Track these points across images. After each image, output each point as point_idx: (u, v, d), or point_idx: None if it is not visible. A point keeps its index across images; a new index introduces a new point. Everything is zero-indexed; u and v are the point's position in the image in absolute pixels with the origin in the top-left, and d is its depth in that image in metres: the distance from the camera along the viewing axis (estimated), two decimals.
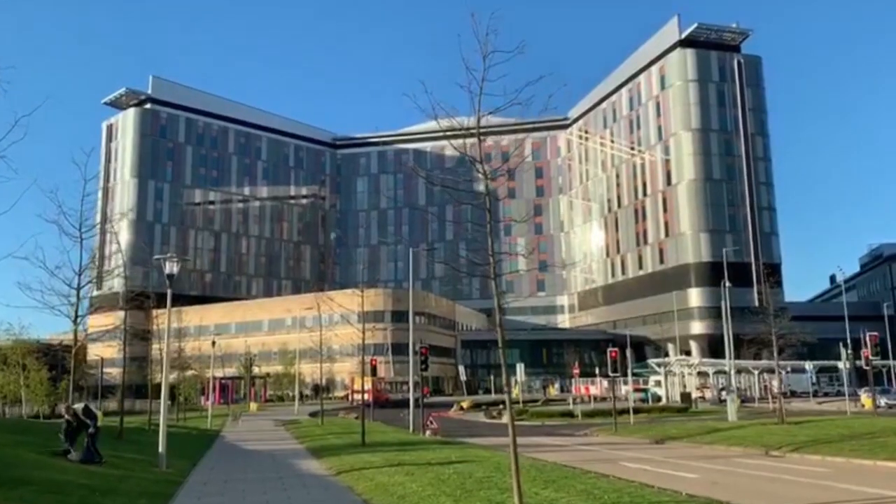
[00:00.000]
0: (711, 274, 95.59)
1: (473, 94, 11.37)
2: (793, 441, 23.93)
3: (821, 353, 75.27)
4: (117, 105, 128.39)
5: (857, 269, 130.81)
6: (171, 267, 18.56)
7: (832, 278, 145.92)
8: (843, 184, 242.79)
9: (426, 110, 11.28)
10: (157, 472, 16.96)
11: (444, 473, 15.40)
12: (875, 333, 33.85)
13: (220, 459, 21.92)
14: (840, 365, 47.82)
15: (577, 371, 63.73)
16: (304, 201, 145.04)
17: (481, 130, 11.92)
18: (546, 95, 11.42)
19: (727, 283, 42.48)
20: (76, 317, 20.52)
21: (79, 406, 17.86)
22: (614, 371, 33.24)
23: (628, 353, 58.10)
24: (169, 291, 18.67)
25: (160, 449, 17.75)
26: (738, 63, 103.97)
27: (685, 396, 54.97)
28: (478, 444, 25.69)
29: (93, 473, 14.80)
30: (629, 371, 53.20)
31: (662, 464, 20.24)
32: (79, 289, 20.46)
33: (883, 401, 46.69)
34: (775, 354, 30.87)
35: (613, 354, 32.97)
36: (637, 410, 41.19)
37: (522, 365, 57.90)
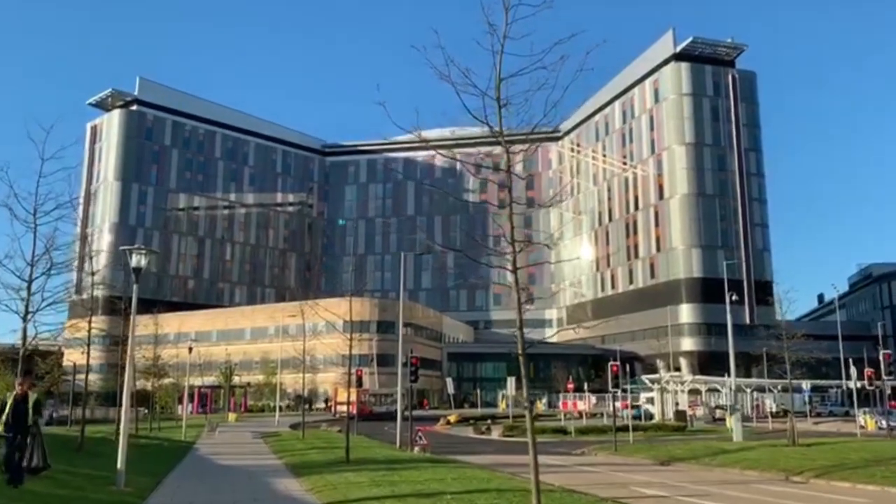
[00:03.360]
0: (703, 290, 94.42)
1: (494, 52, 10.71)
2: (813, 465, 22.13)
3: (810, 373, 73.76)
4: (102, 106, 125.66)
5: (846, 288, 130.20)
6: (137, 260, 16.57)
7: (820, 297, 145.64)
8: (833, 203, 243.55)
9: (440, 68, 10.20)
10: (112, 491, 14.85)
11: (442, 501, 13.47)
12: (888, 352, 32.34)
13: (188, 476, 19.84)
14: (850, 384, 46.26)
15: (571, 386, 61.80)
16: (290, 209, 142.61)
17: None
18: (580, 55, 10.34)
19: (733, 297, 40.97)
20: (26, 313, 18.24)
21: (33, 395, 13.86)
22: (615, 386, 31.37)
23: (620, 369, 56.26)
24: (135, 287, 16.66)
25: (118, 464, 15.67)
26: (733, 78, 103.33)
27: (680, 414, 53.13)
28: (471, 462, 23.79)
29: (34, 495, 12.64)
30: (627, 387, 51.41)
31: (679, 489, 18.38)
32: (30, 281, 18.21)
33: (886, 422, 45.05)
34: (788, 372, 29.25)
35: (615, 369, 31.15)
36: (633, 428, 39.41)
37: (513, 379, 55.82)
